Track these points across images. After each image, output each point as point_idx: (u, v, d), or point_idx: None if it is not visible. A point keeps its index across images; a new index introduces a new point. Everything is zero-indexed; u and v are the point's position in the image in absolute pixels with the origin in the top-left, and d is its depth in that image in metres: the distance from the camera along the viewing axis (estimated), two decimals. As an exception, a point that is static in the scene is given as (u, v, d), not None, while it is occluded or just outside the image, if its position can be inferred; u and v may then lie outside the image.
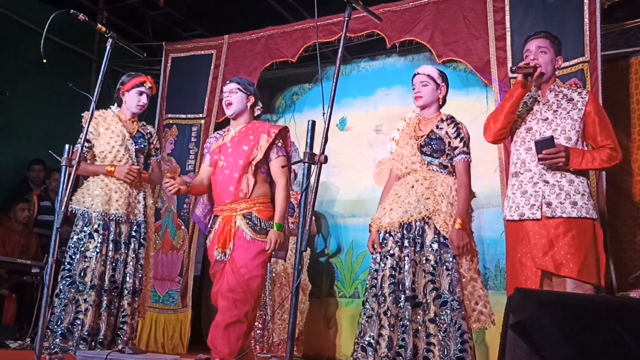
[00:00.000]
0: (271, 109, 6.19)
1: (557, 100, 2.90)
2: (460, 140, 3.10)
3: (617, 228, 4.14)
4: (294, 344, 2.05)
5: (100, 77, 2.90)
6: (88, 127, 2.95)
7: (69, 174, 2.81)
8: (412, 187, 3.08)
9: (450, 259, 2.95)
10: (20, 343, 3.92)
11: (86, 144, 3.55)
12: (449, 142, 3.11)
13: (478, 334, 4.38)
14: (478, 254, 3.12)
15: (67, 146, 2.96)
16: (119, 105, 3.77)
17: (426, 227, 3.01)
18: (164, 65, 5.63)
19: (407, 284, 2.93)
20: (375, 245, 3.13)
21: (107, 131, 3.65)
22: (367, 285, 3.12)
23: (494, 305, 3.06)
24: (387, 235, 3.09)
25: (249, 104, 3.30)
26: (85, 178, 3.71)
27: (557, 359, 1.32)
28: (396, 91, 5.55)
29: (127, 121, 3.74)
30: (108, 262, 3.51)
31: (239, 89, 3.28)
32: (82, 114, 3.64)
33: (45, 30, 2.77)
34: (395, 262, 3.00)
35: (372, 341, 2.96)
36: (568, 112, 2.84)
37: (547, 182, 2.79)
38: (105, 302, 3.47)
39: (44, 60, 2.73)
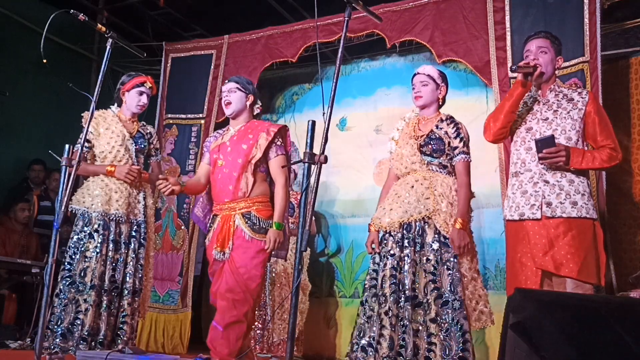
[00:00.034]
0: (271, 109, 6.19)
1: (557, 100, 2.90)
2: (460, 140, 3.10)
3: (617, 228, 4.14)
4: (294, 344, 2.05)
5: (100, 77, 2.90)
6: (88, 127, 2.95)
7: (69, 174, 2.81)
8: (412, 187, 3.08)
9: (452, 259, 2.95)
10: (20, 343, 3.92)
11: (86, 144, 3.55)
12: (449, 142, 3.11)
13: (478, 334, 4.38)
14: (477, 253, 3.12)
15: (67, 146, 2.95)
16: (119, 105, 3.77)
17: (426, 227, 3.01)
18: (164, 65, 5.63)
19: (407, 284, 2.94)
20: (374, 245, 3.13)
21: (107, 131, 3.65)
22: (366, 285, 3.11)
23: (494, 305, 3.06)
24: (387, 235, 3.09)
25: (248, 103, 3.30)
26: (85, 178, 3.71)
27: (557, 359, 1.32)
28: (396, 91, 5.55)
29: (127, 121, 3.74)
30: (108, 262, 3.51)
31: (237, 88, 3.27)
32: (82, 114, 3.64)
33: (45, 30, 2.77)
34: (396, 262, 3.00)
35: (372, 341, 2.96)
36: (568, 112, 2.85)
37: (547, 182, 2.79)
38: (105, 302, 3.47)
39: (44, 60, 2.73)
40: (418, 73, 3.23)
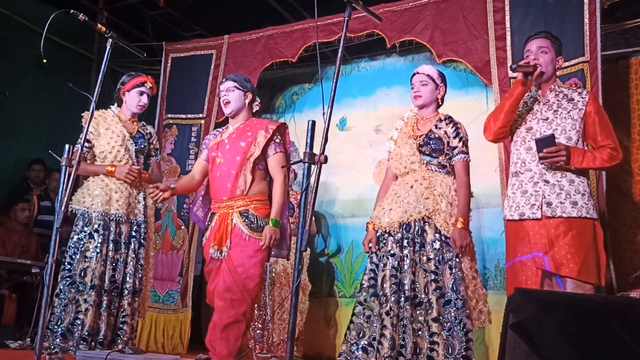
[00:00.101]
0: (271, 109, 6.19)
1: (558, 100, 2.90)
2: (460, 140, 3.11)
3: (617, 228, 4.14)
4: (294, 344, 2.05)
5: (100, 77, 2.90)
6: (88, 127, 2.95)
7: (69, 174, 2.80)
8: (412, 187, 3.09)
9: (454, 258, 2.95)
10: (20, 343, 3.92)
11: (86, 144, 3.55)
12: (448, 142, 3.11)
13: (478, 334, 4.38)
14: (476, 253, 3.13)
15: (67, 146, 2.95)
16: (119, 105, 3.77)
17: (426, 226, 3.02)
18: (164, 65, 5.63)
19: (406, 283, 2.94)
20: (371, 244, 3.13)
21: (107, 131, 3.65)
22: (365, 285, 3.10)
23: (494, 305, 3.07)
24: (386, 235, 3.09)
25: (246, 101, 3.29)
26: (86, 178, 3.71)
27: (557, 359, 1.32)
28: (396, 91, 5.54)
29: (127, 121, 3.74)
30: (108, 262, 3.51)
31: (235, 86, 3.26)
32: (82, 114, 3.64)
33: (45, 30, 2.77)
34: (396, 262, 3.00)
35: (373, 342, 2.96)
36: (568, 112, 2.85)
37: (547, 181, 2.79)
38: (105, 302, 3.47)
39: (44, 60, 2.73)
40: (417, 73, 3.23)
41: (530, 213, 2.79)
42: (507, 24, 4.13)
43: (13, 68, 5.58)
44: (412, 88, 3.23)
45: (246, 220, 3.09)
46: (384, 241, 3.09)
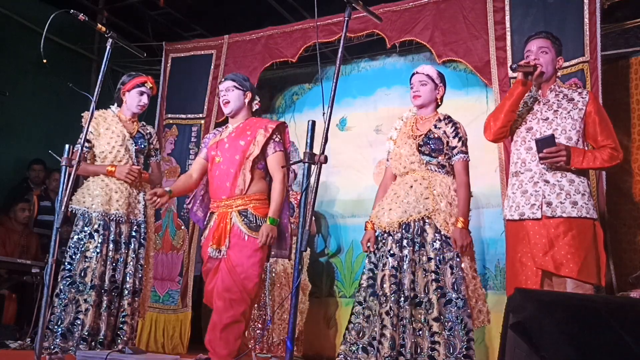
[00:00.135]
0: (271, 109, 6.19)
1: (558, 100, 2.90)
2: (459, 140, 3.11)
3: (617, 228, 4.14)
4: (294, 344, 2.05)
5: (100, 77, 2.89)
6: (88, 127, 2.95)
7: (69, 174, 2.80)
8: (411, 187, 3.09)
9: (455, 258, 2.96)
10: (20, 343, 3.92)
11: (86, 144, 3.55)
12: (447, 142, 3.11)
13: (478, 334, 4.37)
14: (474, 253, 3.13)
15: (67, 146, 2.95)
16: (119, 105, 3.77)
17: (426, 226, 3.02)
18: (164, 65, 5.63)
19: (405, 283, 2.94)
20: (369, 244, 3.13)
21: (108, 131, 3.65)
22: (364, 285, 3.10)
23: (495, 305, 3.07)
24: (385, 235, 3.09)
25: (246, 100, 3.28)
26: (86, 178, 3.71)
27: (557, 359, 1.32)
28: (396, 91, 5.54)
29: (127, 121, 3.74)
30: (108, 262, 3.51)
31: (235, 86, 3.25)
32: (82, 114, 3.64)
33: (45, 30, 2.77)
34: (396, 262, 3.00)
35: (373, 341, 2.96)
36: (568, 112, 2.85)
37: (547, 181, 2.79)
38: (105, 302, 3.47)
39: (44, 60, 2.73)
40: (417, 72, 3.24)
41: (530, 213, 2.79)
42: (507, 24, 4.13)
43: (13, 68, 5.59)
44: (411, 88, 3.23)
45: (245, 219, 3.08)
46: (384, 241, 3.09)
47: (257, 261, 3.06)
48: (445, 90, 3.26)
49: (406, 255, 2.98)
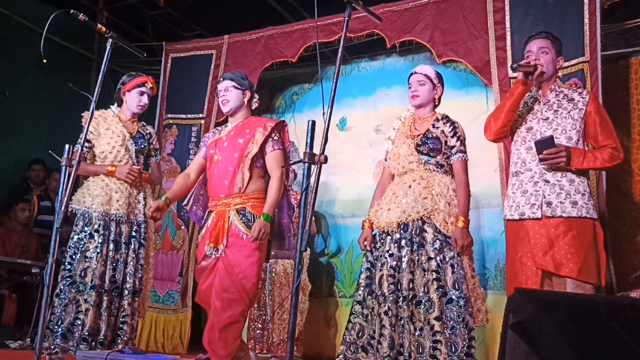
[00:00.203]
0: (271, 109, 6.19)
1: (558, 100, 2.90)
2: (457, 139, 3.11)
3: (617, 228, 4.14)
4: (294, 344, 2.05)
5: (100, 77, 2.90)
6: (88, 127, 2.95)
7: (69, 174, 2.80)
8: (410, 187, 3.09)
9: (455, 257, 2.96)
10: (20, 343, 3.92)
11: (86, 144, 3.55)
12: (446, 141, 3.11)
13: (478, 333, 4.37)
14: (473, 252, 3.13)
15: (67, 146, 2.95)
16: (119, 105, 3.77)
17: (425, 226, 3.02)
18: (164, 65, 5.63)
19: (404, 283, 2.94)
20: (366, 243, 3.13)
21: (108, 131, 3.65)
22: (362, 284, 3.10)
23: (494, 305, 3.07)
24: (384, 234, 3.09)
25: (245, 100, 3.27)
26: (86, 178, 3.71)
27: (557, 359, 1.32)
28: (396, 91, 5.54)
29: (127, 121, 3.74)
30: (108, 262, 3.51)
31: (234, 86, 3.24)
32: (82, 114, 3.65)
33: (45, 30, 2.77)
34: (395, 262, 3.00)
35: (372, 341, 2.96)
36: (569, 112, 2.85)
37: (547, 181, 2.79)
38: (105, 302, 3.47)
39: (44, 60, 2.73)
40: (415, 72, 3.24)
41: (530, 213, 2.79)
42: (507, 24, 4.13)
43: (13, 68, 5.59)
44: (410, 88, 3.24)
45: (243, 218, 3.06)
46: (382, 241, 3.09)
47: (255, 261, 3.04)
48: (443, 90, 3.26)
49: (404, 255, 2.98)
